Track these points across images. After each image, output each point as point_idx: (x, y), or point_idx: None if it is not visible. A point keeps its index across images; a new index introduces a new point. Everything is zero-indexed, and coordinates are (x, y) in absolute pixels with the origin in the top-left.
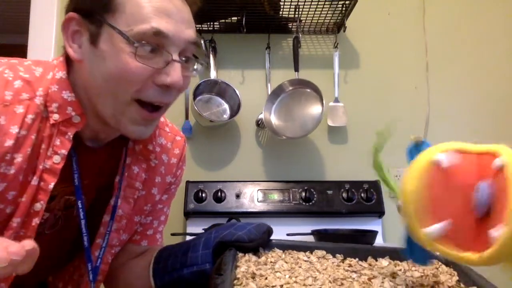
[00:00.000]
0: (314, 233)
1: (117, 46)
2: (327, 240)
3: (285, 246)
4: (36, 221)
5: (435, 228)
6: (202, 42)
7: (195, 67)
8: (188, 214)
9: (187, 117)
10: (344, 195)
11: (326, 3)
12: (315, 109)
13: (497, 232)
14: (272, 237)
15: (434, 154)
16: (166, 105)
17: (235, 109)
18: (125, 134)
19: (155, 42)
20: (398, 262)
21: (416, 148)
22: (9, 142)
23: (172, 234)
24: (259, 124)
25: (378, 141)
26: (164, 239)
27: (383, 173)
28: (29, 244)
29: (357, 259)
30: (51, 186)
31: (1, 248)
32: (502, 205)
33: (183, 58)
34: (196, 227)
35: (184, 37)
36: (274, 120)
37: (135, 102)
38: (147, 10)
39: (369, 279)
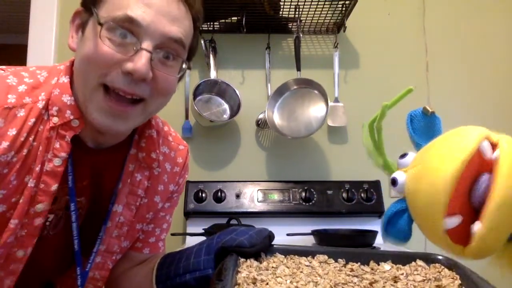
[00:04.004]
0: (314, 233)
1: (94, 30)
2: (327, 240)
3: (286, 251)
4: (38, 221)
5: (456, 220)
6: (202, 42)
7: (183, 67)
8: (188, 214)
9: (187, 117)
10: (344, 195)
11: (326, 3)
12: (318, 109)
13: (476, 227)
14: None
15: (480, 140)
16: (143, 102)
17: (235, 109)
18: (91, 123)
19: (128, 29)
20: (400, 266)
21: (423, 117)
22: (4, 145)
23: (172, 234)
24: (259, 124)
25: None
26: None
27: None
28: None
29: (359, 263)
30: (54, 188)
31: None
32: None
33: (160, 52)
34: (196, 227)
35: (162, 30)
36: (276, 118)
37: (101, 88)
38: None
39: (371, 284)
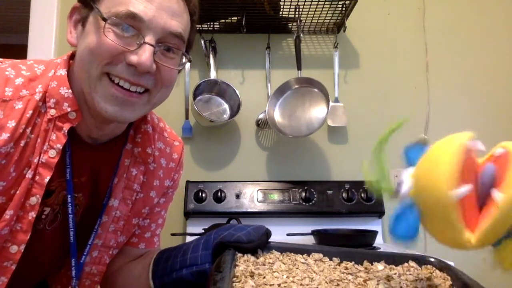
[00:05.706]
0: (314, 233)
1: (96, 24)
2: (327, 240)
3: (283, 249)
4: (32, 215)
5: (464, 188)
6: (202, 42)
7: (183, 61)
8: (188, 214)
9: (187, 117)
10: (344, 195)
11: (326, 3)
12: (319, 108)
13: (499, 194)
14: (271, 238)
15: (465, 140)
16: (147, 92)
17: (235, 109)
18: (100, 113)
19: (131, 25)
20: (393, 266)
21: (420, 147)
22: (4, 136)
23: (172, 234)
24: (259, 124)
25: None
26: (164, 239)
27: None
28: None
29: (353, 262)
30: (47, 180)
31: None
32: (501, 179)
33: (161, 46)
34: (196, 227)
35: (163, 25)
36: (277, 117)
37: (105, 77)
38: None
39: (365, 281)
